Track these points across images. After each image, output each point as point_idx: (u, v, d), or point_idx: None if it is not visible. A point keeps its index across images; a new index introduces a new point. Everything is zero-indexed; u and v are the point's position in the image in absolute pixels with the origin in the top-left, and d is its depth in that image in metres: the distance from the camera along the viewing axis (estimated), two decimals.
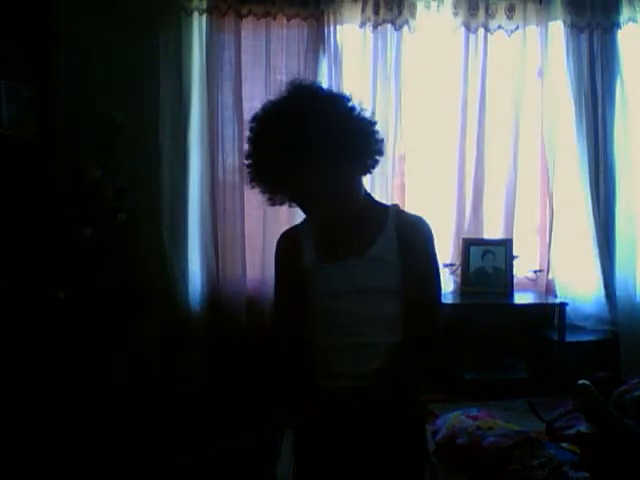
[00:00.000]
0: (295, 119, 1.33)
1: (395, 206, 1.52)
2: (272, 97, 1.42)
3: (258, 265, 3.07)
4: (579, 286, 3.19)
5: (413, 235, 1.44)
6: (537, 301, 3.18)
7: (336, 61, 3.04)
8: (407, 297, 1.40)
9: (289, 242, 1.52)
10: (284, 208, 3.08)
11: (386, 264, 1.40)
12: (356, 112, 1.40)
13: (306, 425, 1.46)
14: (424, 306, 1.41)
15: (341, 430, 1.34)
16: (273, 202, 1.45)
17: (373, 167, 1.44)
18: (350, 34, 3.11)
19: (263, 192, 1.43)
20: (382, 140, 1.44)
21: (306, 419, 1.45)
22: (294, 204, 1.46)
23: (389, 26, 3.06)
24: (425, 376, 1.61)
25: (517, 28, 3.14)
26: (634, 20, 3.16)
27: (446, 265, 3.18)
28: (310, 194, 1.39)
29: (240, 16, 3.01)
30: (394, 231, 1.43)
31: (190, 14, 2.98)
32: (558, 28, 3.14)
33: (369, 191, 1.54)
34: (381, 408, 1.34)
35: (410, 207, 3.17)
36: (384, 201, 1.59)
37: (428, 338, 1.44)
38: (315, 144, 1.32)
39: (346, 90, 1.49)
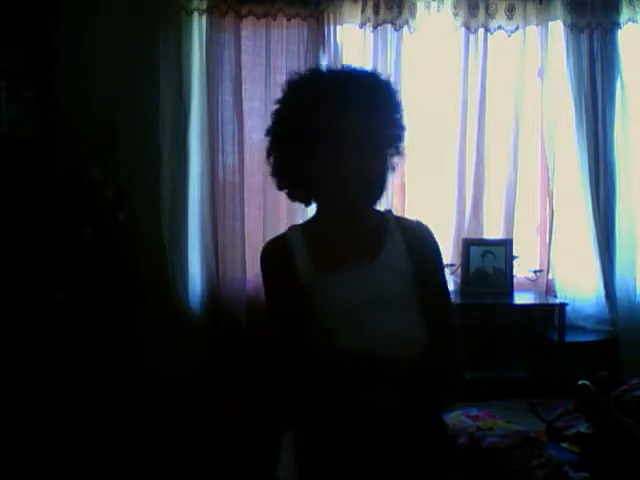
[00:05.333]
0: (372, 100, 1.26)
1: (389, 212, 1.48)
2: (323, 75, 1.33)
3: (258, 266, 3.06)
4: (579, 286, 3.20)
5: (423, 241, 1.36)
6: (537, 301, 3.18)
7: (336, 61, 3.03)
8: (425, 305, 1.32)
9: (276, 253, 1.35)
10: (284, 208, 3.12)
11: (397, 272, 1.30)
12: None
13: (317, 428, 1.30)
14: (443, 312, 1.35)
15: (361, 433, 1.23)
16: (290, 184, 1.33)
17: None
18: (350, 34, 3.11)
19: (290, 162, 1.29)
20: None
21: (317, 419, 1.29)
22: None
23: (389, 26, 3.06)
24: (451, 384, 1.48)
25: (517, 28, 3.14)
26: (634, 20, 3.16)
27: (446, 265, 3.18)
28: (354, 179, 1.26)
29: (240, 16, 3.01)
30: (401, 237, 1.33)
31: (190, 14, 2.98)
32: (558, 28, 3.14)
33: None
34: (404, 406, 1.23)
35: (410, 207, 3.17)
36: (383, 203, 1.55)
37: (453, 343, 1.37)
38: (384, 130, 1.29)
39: None
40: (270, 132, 1.33)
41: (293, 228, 1.39)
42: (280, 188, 1.36)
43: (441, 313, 1.35)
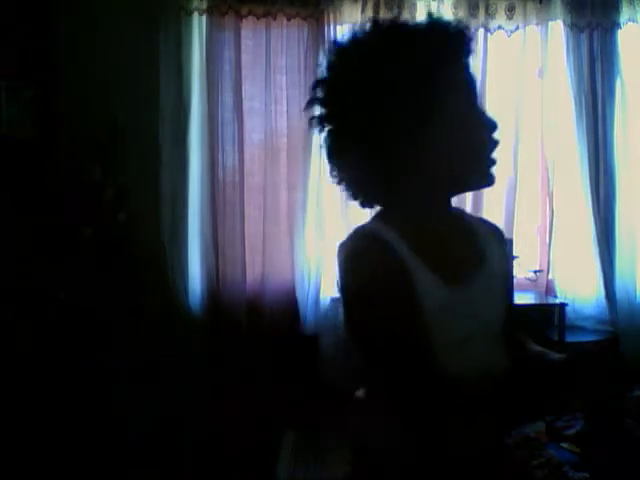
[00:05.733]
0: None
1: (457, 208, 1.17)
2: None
3: (258, 266, 3.07)
4: (579, 286, 3.20)
5: (506, 241, 1.16)
6: (537, 301, 3.18)
7: None
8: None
9: (383, 256, 0.94)
10: (284, 208, 3.11)
11: (501, 279, 1.07)
12: None
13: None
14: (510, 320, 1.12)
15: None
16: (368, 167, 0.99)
17: None
18: None
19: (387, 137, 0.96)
20: None
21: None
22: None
23: None
24: None
25: (517, 28, 3.14)
26: (634, 20, 3.16)
27: None
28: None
29: (240, 16, 3.01)
30: (493, 239, 1.11)
31: (190, 14, 2.98)
32: (558, 28, 3.14)
33: None
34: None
35: None
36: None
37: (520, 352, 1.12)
38: None
39: None
40: (341, 104, 0.99)
41: (379, 226, 0.99)
42: (343, 181, 1.04)
43: (509, 322, 1.11)
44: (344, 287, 0.96)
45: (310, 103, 1.03)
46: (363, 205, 1.07)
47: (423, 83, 0.94)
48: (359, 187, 1.04)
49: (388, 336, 0.90)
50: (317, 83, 1.02)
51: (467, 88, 1.00)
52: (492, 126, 1.00)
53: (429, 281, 0.95)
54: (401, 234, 0.97)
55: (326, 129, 1.01)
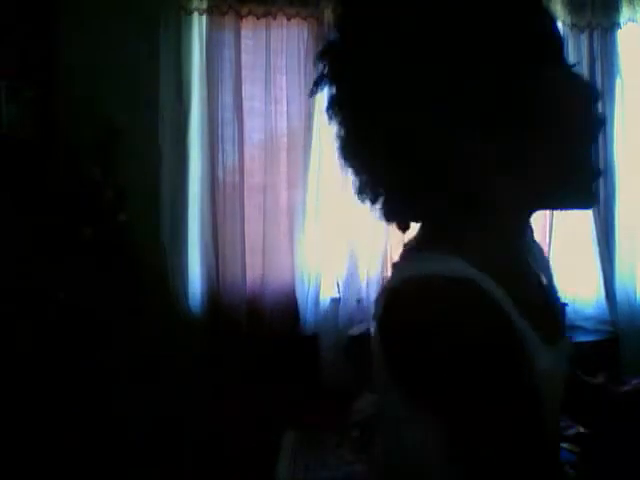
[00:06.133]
0: None
1: None
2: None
3: (258, 266, 3.06)
4: (579, 287, 3.20)
5: None
6: None
7: None
8: None
9: (495, 311, 0.66)
10: (284, 209, 3.11)
11: None
12: None
13: None
14: None
15: None
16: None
17: None
18: None
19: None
20: None
21: None
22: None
23: None
24: None
25: None
26: (634, 20, 3.16)
27: None
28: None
29: (240, 16, 3.01)
30: (544, 258, 0.87)
31: (190, 14, 2.98)
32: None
33: None
34: None
35: None
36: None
37: None
38: None
39: None
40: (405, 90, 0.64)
41: (463, 268, 0.68)
42: (379, 196, 0.73)
43: None
44: (434, 356, 0.64)
45: (317, 84, 0.71)
46: (404, 229, 0.77)
47: (504, 38, 0.63)
48: (404, 203, 0.72)
49: (504, 415, 0.63)
50: (326, 51, 0.70)
51: (561, 50, 0.70)
52: (595, 96, 0.71)
53: (535, 343, 0.70)
54: (497, 280, 0.68)
55: (344, 119, 0.70)
